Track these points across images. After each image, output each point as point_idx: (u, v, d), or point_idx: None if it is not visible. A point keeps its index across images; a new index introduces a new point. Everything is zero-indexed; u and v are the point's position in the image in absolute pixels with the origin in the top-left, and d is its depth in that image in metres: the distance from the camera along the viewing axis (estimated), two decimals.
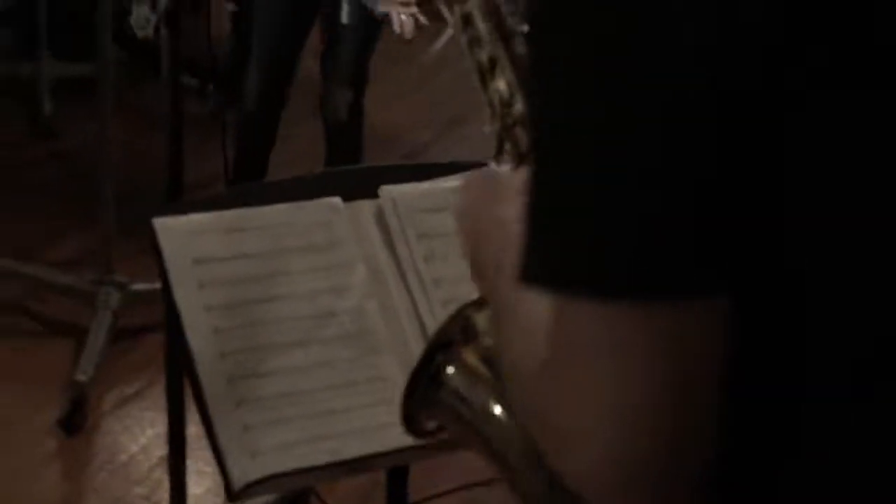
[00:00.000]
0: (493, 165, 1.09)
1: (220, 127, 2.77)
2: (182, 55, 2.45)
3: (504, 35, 1.09)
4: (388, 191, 1.53)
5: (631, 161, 0.67)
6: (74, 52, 4.02)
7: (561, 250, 0.70)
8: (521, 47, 1.08)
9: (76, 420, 2.68)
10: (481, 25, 1.09)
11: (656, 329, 0.68)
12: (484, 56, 1.09)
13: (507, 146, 1.08)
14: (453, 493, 2.37)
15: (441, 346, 1.21)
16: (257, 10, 3.32)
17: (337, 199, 1.51)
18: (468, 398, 1.19)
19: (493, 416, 1.17)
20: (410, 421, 1.26)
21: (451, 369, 1.20)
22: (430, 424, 1.28)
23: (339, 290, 1.46)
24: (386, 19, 3.14)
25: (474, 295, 1.52)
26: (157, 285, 2.78)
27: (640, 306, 0.68)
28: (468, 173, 1.12)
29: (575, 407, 0.70)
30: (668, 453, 0.69)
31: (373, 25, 3.20)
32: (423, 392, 1.22)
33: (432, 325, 1.48)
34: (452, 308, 1.50)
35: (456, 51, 1.13)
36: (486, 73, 1.09)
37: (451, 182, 1.58)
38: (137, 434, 2.70)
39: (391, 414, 1.42)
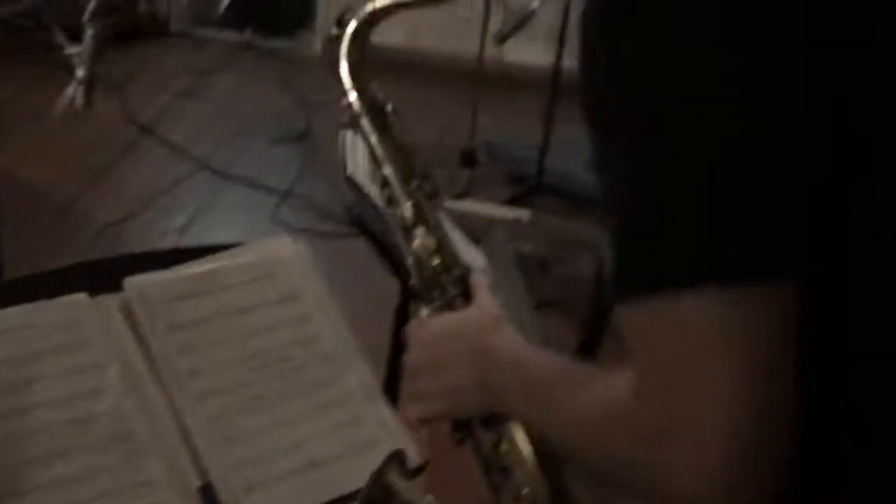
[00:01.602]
0: (424, 312, 1.18)
1: None
2: None
3: (420, 189, 1.20)
4: (132, 282, 1.45)
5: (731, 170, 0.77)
6: None
7: (675, 253, 0.76)
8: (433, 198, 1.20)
9: None
10: (398, 187, 1.19)
11: (764, 312, 0.74)
12: (406, 211, 1.18)
13: (435, 293, 1.17)
14: None
15: None
16: None
17: (82, 296, 1.42)
18: None
19: None
20: None
21: None
22: None
23: (95, 392, 1.37)
24: None
25: (232, 383, 1.48)
26: None
27: (756, 288, 0.74)
28: (410, 327, 1.17)
29: (688, 408, 0.74)
30: (772, 439, 0.75)
31: None
32: None
33: (192, 422, 1.41)
34: (213, 403, 1.45)
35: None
36: (409, 229, 1.18)
37: (197, 268, 1.53)
38: None
39: None
